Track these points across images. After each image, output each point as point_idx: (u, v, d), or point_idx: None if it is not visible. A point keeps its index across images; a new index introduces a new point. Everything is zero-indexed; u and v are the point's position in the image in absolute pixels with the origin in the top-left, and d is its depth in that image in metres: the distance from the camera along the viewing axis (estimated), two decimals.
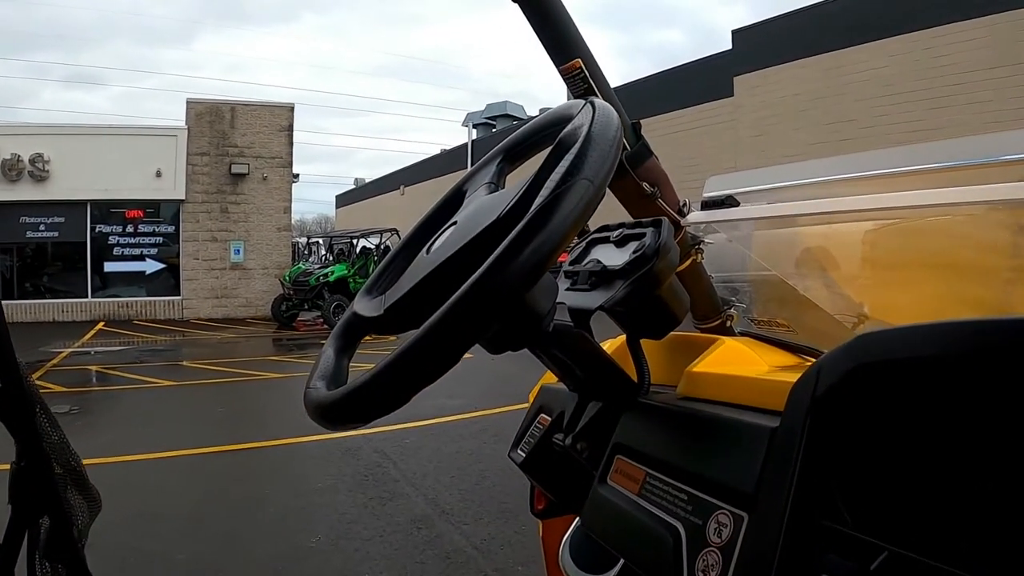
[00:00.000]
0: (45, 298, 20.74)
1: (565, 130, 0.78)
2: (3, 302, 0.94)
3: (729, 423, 0.80)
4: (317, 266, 20.68)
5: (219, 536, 4.70)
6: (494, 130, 41.29)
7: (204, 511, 5.20)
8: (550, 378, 1.24)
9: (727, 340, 1.06)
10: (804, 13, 17.24)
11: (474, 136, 40.25)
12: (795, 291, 1.32)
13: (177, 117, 22.78)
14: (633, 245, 0.92)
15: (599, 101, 0.79)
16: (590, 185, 0.68)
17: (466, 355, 0.69)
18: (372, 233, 22.64)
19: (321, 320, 19.40)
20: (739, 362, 1.00)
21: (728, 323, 1.26)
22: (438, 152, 45.57)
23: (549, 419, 1.11)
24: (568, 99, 0.98)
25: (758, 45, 18.39)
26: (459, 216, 0.89)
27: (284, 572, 4.18)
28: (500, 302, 0.64)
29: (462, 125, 43.68)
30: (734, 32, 19.57)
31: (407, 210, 42.13)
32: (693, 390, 0.97)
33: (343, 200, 61.70)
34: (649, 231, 0.91)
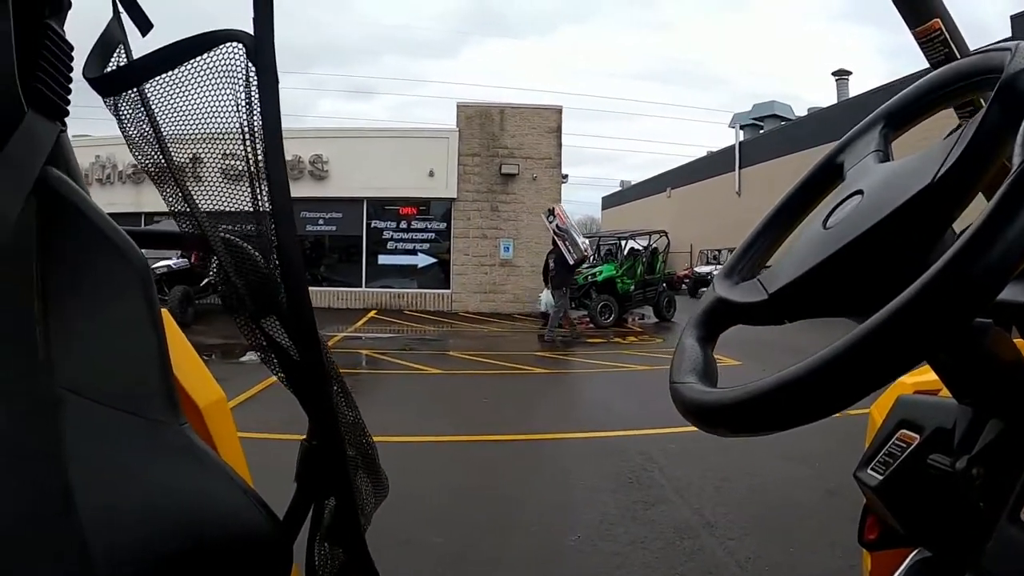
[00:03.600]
0: (322, 286, 22.45)
1: (1008, 73, 0.63)
2: None
3: None
4: (585, 266, 20.47)
5: (476, 524, 4.68)
6: (761, 131, 40.10)
7: (463, 498, 5.21)
8: (903, 387, 1.16)
9: None
10: None
11: (741, 137, 39.09)
12: None
13: (447, 123, 23.83)
14: None
15: None
16: None
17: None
18: (640, 234, 22.90)
19: (587, 319, 19.26)
20: None
21: None
22: (704, 154, 44.75)
23: (916, 436, 0.92)
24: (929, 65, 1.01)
25: None
26: (863, 186, 0.76)
27: (541, 567, 4.11)
28: (989, 287, 0.52)
29: (729, 126, 43.18)
30: (1013, 18, 17.07)
31: (674, 212, 41.71)
32: None
33: (609, 202, 63.04)
34: None
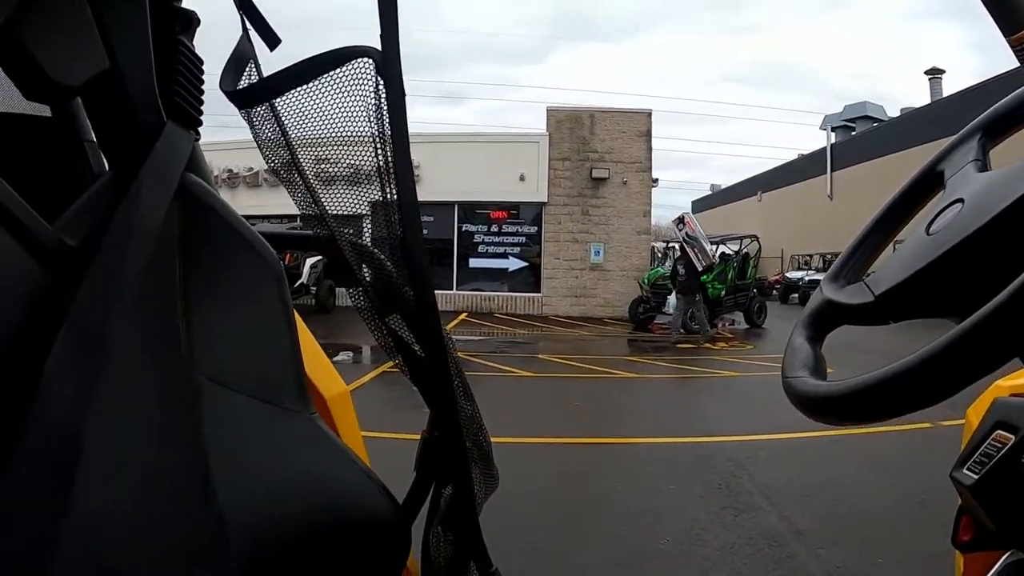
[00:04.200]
0: None
1: None
2: None
3: None
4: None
5: (567, 524, 4.79)
6: (853, 133, 39.01)
7: (553, 500, 5.29)
8: (1000, 390, 1.16)
9: None
10: None
11: (833, 140, 38.14)
12: None
13: (536, 127, 23.96)
14: None
15: None
16: None
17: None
18: (731, 239, 22.72)
19: None
20: None
21: None
22: (795, 157, 43.86)
23: (1011, 437, 0.95)
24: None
25: None
26: (963, 194, 0.80)
27: (630, 570, 4.15)
28: None
29: (820, 128, 42.17)
30: None
31: (764, 216, 40.86)
32: None
33: (699, 206, 62.03)
34: None
